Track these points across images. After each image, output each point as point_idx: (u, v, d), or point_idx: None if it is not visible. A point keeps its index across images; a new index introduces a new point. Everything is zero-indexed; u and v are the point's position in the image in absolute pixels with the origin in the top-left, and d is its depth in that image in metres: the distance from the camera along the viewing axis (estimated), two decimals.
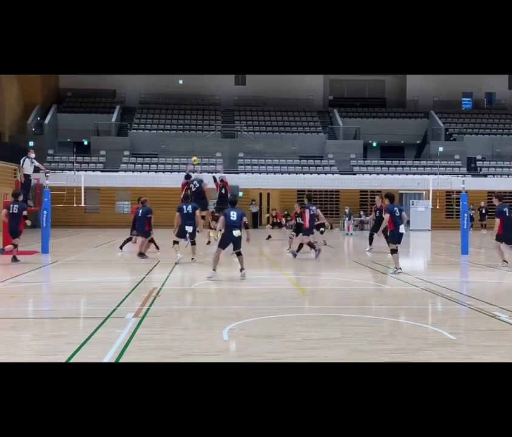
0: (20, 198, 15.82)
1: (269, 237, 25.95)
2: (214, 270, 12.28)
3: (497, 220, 15.00)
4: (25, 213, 15.71)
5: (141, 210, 17.33)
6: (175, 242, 15.63)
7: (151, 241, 17.64)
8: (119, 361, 6.03)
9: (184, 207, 15.48)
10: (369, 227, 23.77)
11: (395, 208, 13.51)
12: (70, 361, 5.99)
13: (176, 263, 14.97)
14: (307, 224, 16.97)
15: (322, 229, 22.74)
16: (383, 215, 18.16)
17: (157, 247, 18.07)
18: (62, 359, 6.03)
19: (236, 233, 12.09)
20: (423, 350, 6.63)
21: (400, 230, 13.36)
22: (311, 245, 17.06)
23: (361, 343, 6.92)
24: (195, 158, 22.47)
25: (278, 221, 27.78)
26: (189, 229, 15.25)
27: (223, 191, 20.06)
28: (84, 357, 6.17)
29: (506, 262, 15.03)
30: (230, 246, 12.61)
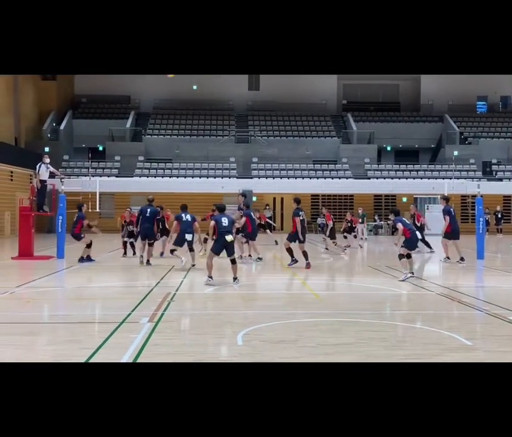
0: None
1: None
2: (210, 277, 12.26)
3: (447, 218, 16.88)
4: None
5: (149, 210, 16.82)
6: (172, 250, 15.39)
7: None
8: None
9: (183, 215, 15.21)
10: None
11: (402, 219, 13.83)
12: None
13: (182, 268, 14.93)
14: (250, 229, 17.00)
15: (354, 232, 24.82)
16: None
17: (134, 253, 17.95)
18: None
19: (228, 238, 12.04)
20: (439, 356, 6.58)
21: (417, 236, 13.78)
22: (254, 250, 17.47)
23: (376, 349, 6.88)
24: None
25: (263, 222, 24.88)
26: (189, 237, 15.06)
27: None
28: (99, 361, 6.19)
29: (449, 258, 17.39)
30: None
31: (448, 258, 17.64)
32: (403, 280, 12.91)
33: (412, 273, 13.41)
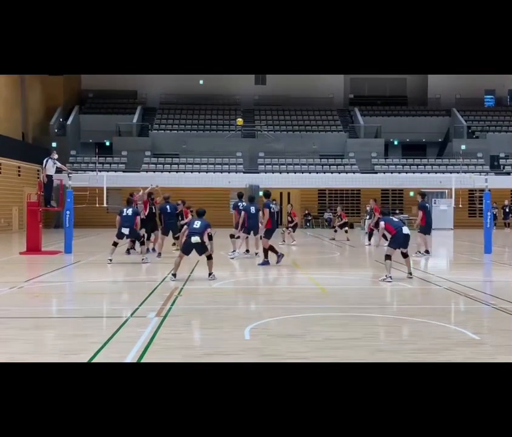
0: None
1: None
2: (173, 274, 12.20)
3: (420, 213, 17.52)
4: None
5: (168, 206, 17.47)
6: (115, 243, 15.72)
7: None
8: (142, 360, 6.07)
9: (124, 209, 15.70)
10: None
11: (389, 217, 12.91)
12: (93, 360, 6.05)
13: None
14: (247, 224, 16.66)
15: (346, 227, 25.30)
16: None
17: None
18: (85, 358, 6.10)
19: (194, 239, 12.04)
20: (446, 350, 6.57)
21: (404, 232, 12.37)
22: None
23: (383, 343, 6.89)
24: (239, 119, 23.05)
25: None
26: (125, 231, 15.44)
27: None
28: (107, 356, 6.23)
29: (428, 252, 17.70)
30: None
31: (427, 252, 17.81)
32: (382, 280, 12.21)
33: (410, 274, 12.56)
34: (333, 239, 24.81)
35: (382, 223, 12.57)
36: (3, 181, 31.34)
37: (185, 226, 12.78)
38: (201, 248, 12.30)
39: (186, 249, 12.28)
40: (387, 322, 8.17)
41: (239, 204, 17.69)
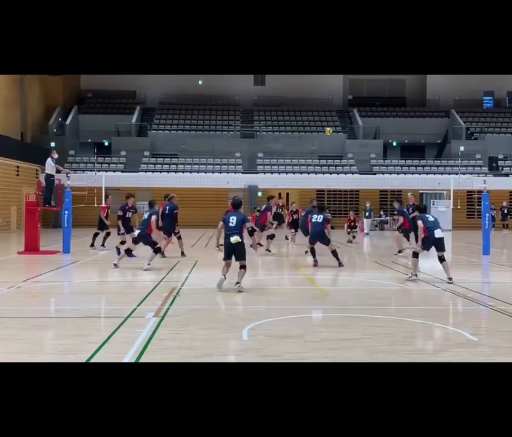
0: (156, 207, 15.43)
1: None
2: (224, 276, 11.12)
3: (401, 218, 17.97)
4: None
5: (168, 207, 17.28)
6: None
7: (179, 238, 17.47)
8: (140, 360, 6.07)
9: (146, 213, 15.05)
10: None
11: (425, 216, 12.34)
12: (91, 360, 6.05)
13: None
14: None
15: (355, 230, 25.54)
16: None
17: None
18: (83, 358, 6.10)
19: (233, 239, 10.84)
20: (444, 351, 6.58)
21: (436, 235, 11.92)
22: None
23: (381, 344, 6.89)
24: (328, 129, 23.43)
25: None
26: (137, 233, 14.93)
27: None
28: (105, 356, 6.23)
29: (401, 252, 18.01)
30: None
31: (400, 252, 18.08)
32: (408, 279, 12.25)
33: (450, 279, 11.99)
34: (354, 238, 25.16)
35: (420, 222, 12.00)
36: (2, 181, 31.30)
37: (220, 223, 11.22)
38: (241, 250, 10.99)
39: (226, 252, 11.01)
40: (386, 323, 8.18)
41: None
